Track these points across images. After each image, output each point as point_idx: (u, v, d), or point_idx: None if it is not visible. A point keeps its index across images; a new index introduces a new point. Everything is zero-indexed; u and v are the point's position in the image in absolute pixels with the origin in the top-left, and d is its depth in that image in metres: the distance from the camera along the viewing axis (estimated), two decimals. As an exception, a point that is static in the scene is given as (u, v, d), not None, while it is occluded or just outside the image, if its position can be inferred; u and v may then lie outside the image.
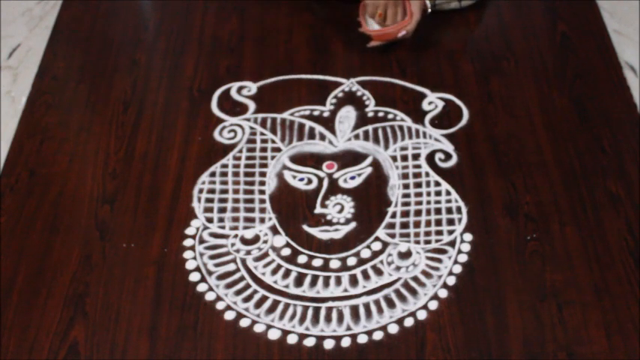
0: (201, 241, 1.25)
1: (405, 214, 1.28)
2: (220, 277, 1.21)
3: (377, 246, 1.24)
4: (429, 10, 1.51)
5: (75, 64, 1.56)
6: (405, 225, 1.26)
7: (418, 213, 1.28)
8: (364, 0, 1.51)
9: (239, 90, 1.49)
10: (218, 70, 1.53)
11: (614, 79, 1.50)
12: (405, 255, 1.23)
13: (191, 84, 1.50)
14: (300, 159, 1.36)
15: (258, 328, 1.14)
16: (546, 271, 1.20)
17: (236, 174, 1.34)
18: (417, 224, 1.26)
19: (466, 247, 1.23)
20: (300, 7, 1.62)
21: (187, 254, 1.23)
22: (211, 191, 1.32)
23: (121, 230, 1.26)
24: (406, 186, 1.32)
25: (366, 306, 1.17)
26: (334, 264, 1.22)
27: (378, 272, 1.21)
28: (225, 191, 1.32)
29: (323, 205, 1.29)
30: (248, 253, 1.24)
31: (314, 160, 1.36)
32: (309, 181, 1.33)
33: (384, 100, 1.46)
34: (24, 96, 1.49)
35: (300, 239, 1.25)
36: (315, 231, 1.26)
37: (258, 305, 1.17)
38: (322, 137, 1.39)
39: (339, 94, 1.48)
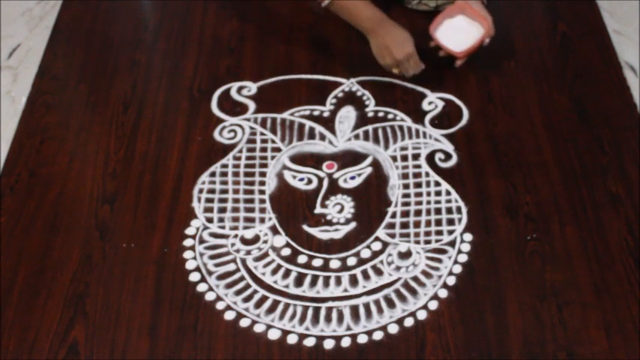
0: (201, 241, 1.25)
1: (405, 214, 1.28)
2: (220, 277, 1.21)
3: (377, 246, 1.24)
4: (485, 2, 1.49)
5: (75, 64, 1.56)
6: (405, 225, 1.26)
7: (418, 213, 1.28)
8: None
9: (239, 90, 1.49)
10: (218, 70, 1.53)
11: (614, 79, 1.50)
12: (405, 255, 1.23)
13: (191, 84, 1.50)
14: (300, 159, 1.36)
15: (258, 328, 1.14)
16: (546, 271, 1.20)
17: (236, 174, 1.34)
18: (417, 224, 1.26)
19: (466, 247, 1.23)
20: (300, 7, 1.62)
21: (187, 254, 1.23)
22: (211, 191, 1.32)
23: (121, 230, 1.26)
24: (406, 186, 1.32)
25: (366, 306, 1.17)
26: (334, 264, 1.22)
27: (378, 272, 1.21)
28: (225, 191, 1.32)
29: (323, 205, 1.29)
30: (248, 253, 1.24)
31: (314, 160, 1.36)
32: (309, 181, 1.33)
33: (384, 100, 1.46)
34: (24, 96, 1.49)
35: (300, 239, 1.25)
36: (315, 231, 1.26)
37: (258, 305, 1.17)
38: (322, 137, 1.39)
39: (339, 94, 1.47)
